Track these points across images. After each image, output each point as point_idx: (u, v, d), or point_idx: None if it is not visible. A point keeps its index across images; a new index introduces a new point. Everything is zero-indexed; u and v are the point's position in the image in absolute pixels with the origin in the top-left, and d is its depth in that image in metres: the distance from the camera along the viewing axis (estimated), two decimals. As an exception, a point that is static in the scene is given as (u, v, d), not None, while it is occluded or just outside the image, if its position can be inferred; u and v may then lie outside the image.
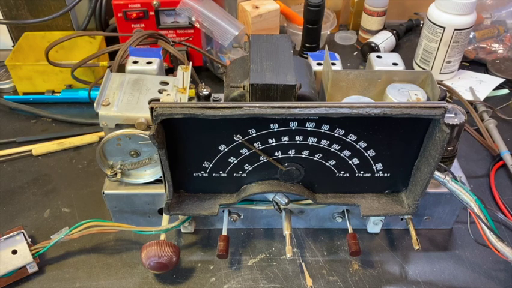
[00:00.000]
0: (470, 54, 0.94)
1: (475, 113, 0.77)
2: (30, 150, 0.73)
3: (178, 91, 0.56)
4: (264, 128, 0.49)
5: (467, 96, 0.84)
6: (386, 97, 0.58)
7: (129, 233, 0.61)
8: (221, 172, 0.54)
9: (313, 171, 0.54)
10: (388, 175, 0.54)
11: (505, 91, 0.88)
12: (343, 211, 0.60)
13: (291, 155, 0.52)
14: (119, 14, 0.81)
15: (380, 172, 0.54)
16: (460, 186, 0.53)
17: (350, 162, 0.53)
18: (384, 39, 0.95)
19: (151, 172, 0.58)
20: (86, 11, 0.93)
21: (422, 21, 1.04)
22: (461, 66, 0.92)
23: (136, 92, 0.55)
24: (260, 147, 0.51)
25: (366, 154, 0.52)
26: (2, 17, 0.89)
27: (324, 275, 0.58)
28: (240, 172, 0.54)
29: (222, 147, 0.51)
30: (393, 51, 0.97)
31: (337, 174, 0.54)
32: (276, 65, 0.53)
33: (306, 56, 0.69)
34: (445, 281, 0.57)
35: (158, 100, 0.54)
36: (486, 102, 0.81)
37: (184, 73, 0.60)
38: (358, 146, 0.51)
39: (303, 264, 0.59)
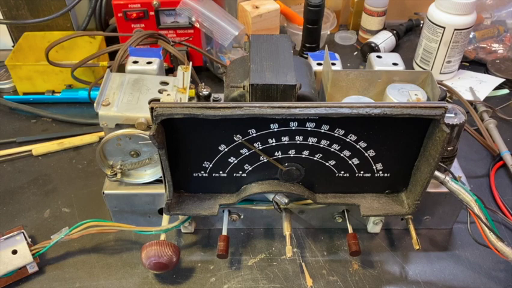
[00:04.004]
0: (470, 54, 0.94)
1: (475, 113, 0.77)
2: (30, 150, 0.73)
3: (178, 91, 0.57)
4: (264, 128, 0.49)
5: (467, 96, 0.84)
6: (386, 97, 0.58)
7: (129, 233, 0.61)
8: (221, 172, 0.54)
9: (313, 171, 0.54)
10: (388, 175, 0.54)
11: (505, 91, 0.88)
12: (343, 211, 0.60)
13: (291, 155, 0.52)
14: (119, 14, 0.81)
15: (380, 172, 0.54)
16: (460, 186, 0.53)
17: (350, 162, 0.53)
18: (384, 39, 0.95)
19: (151, 172, 0.58)
20: (86, 11, 0.93)
21: (422, 21, 1.04)
22: (461, 66, 0.92)
23: (136, 92, 0.55)
24: (260, 147, 0.51)
25: (366, 154, 0.52)
26: (2, 17, 0.89)
27: (324, 275, 0.58)
28: (240, 172, 0.54)
29: (222, 147, 0.51)
30: (393, 51, 0.97)
31: (337, 174, 0.54)
32: (276, 65, 0.53)
33: (306, 56, 0.69)
34: (445, 281, 0.57)
35: (158, 100, 0.54)
36: (486, 102, 0.81)
37: (184, 73, 0.60)
38: (358, 146, 0.51)
39: (303, 264, 0.59)
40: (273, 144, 0.50)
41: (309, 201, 0.56)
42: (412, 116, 0.46)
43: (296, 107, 0.45)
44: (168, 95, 0.55)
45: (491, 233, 0.51)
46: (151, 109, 0.45)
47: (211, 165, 0.53)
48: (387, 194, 0.57)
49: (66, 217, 0.64)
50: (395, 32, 0.97)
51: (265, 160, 0.52)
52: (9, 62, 0.81)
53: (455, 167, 0.61)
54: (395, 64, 0.62)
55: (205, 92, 0.61)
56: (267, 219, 0.62)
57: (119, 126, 0.53)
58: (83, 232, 0.55)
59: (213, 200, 0.56)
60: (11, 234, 0.56)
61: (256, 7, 0.88)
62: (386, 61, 0.63)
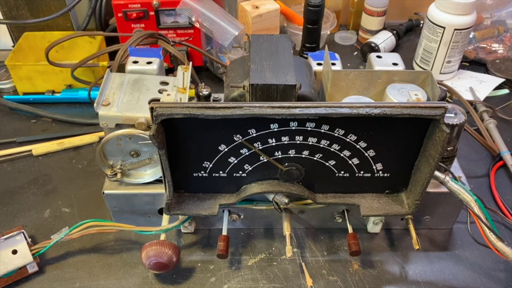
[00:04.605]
0: (470, 54, 0.94)
1: (475, 113, 0.77)
2: (30, 150, 0.73)
3: (178, 91, 0.57)
4: (264, 128, 0.49)
5: (467, 96, 0.84)
6: (386, 97, 0.58)
7: (129, 233, 0.61)
8: (221, 172, 0.54)
9: (313, 171, 0.54)
10: (388, 175, 0.54)
11: (505, 91, 0.88)
12: (343, 211, 0.60)
13: (291, 155, 0.52)
14: (119, 14, 0.81)
15: (380, 172, 0.54)
16: (459, 186, 0.53)
17: (350, 162, 0.53)
18: (384, 39, 0.95)
19: (151, 172, 0.58)
20: (86, 11, 0.93)
21: (422, 21, 1.04)
22: (461, 66, 0.92)
23: (136, 92, 0.55)
24: (260, 147, 0.51)
25: (366, 154, 0.52)
26: (2, 17, 0.89)
27: (324, 275, 0.58)
28: (240, 172, 0.54)
29: (222, 147, 0.51)
30: (393, 51, 0.97)
31: (337, 174, 0.54)
32: (276, 65, 0.53)
33: (306, 56, 0.69)
34: (445, 281, 0.57)
35: (158, 100, 0.54)
36: (486, 102, 0.81)
37: (184, 73, 0.60)
38: (358, 146, 0.51)
39: (303, 264, 0.59)
40: (273, 144, 0.50)
41: (309, 201, 0.56)
42: (412, 116, 0.46)
43: (296, 107, 0.45)
44: (168, 95, 0.55)
45: (491, 233, 0.51)
46: (151, 109, 0.45)
47: (211, 165, 0.53)
48: (387, 194, 0.57)
49: (66, 217, 0.64)
50: (395, 32, 0.97)
51: (265, 160, 0.52)
52: (9, 62, 0.81)
53: (455, 167, 0.61)
54: (395, 64, 0.62)
55: (205, 92, 0.61)
56: (267, 219, 0.62)
57: (119, 126, 0.53)
58: (83, 232, 0.55)
59: (213, 200, 0.56)
60: (11, 234, 0.56)
61: (256, 7, 0.88)
62: (386, 61, 0.63)
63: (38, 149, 0.74)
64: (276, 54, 0.55)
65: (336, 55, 0.67)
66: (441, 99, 0.56)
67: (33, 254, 0.55)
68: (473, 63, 0.95)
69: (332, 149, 0.51)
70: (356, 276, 0.58)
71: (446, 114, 0.47)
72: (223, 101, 0.61)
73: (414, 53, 0.92)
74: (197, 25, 0.82)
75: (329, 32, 0.98)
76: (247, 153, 0.51)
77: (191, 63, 0.62)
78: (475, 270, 0.59)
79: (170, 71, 0.72)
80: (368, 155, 0.52)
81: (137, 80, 0.57)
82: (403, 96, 0.57)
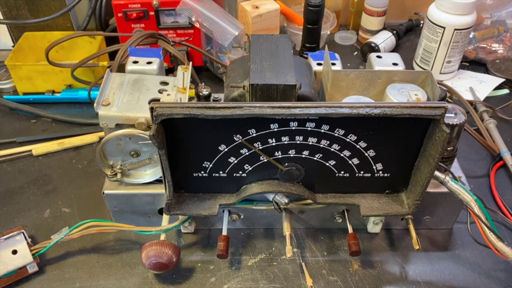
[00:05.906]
0: (470, 54, 0.94)
1: (475, 113, 0.77)
2: (30, 150, 0.73)
3: (178, 91, 0.57)
4: (264, 128, 0.49)
5: (467, 96, 0.84)
6: (386, 97, 0.58)
7: (129, 233, 0.61)
8: (221, 172, 0.54)
9: (313, 171, 0.54)
10: (388, 175, 0.54)
11: (505, 91, 0.88)
12: (343, 211, 0.60)
13: (291, 155, 0.52)
14: (119, 14, 0.81)
15: (380, 172, 0.54)
16: (459, 186, 0.53)
17: (350, 162, 0.53)
18: (384, 39, 0.95)
19: (151, 172, 0.58)
20: (86, 11, 0.93)
21: (422, 21, 1.04)
22: (461, 66, 0.92)
23: (136, 92, 0.55)
24: (260, 147, 0.51)
25: (366, 154, 0.52)
26: (2, 17, 0.89)
27: (324, 275, 0.58)
28: (240, 172, 0.54)
29: (222, 147, 0.51)
30: (393, 51, 0.97)
31: (337, 174, 0.54)
32: (276, 65, 0.53)
33: (306, 56, 0.69)
34: (445, 281, 0.57)
35: (158, 100, 0.54)
36: (486, 102, 0.81)
37: (184, 73, 0.60)
38: (358, 146, 0.51)
39: (303, 264, 0.59)
40: (273, 144, 0.50)
41: (309, 201, 0.56)
42: (412, 116, 0.46)
43: (296, 107, 0.45)
44: (168, 95, 0.55)
45: (491, 233, 0.51)
46: (151, 109, 0.45)
47: (211, 165, 0.53)
48: (387, 194, 0.57)
49: (66, 217, 0.64)
50: (395, 32, 0.97)
51: (265, 160, 0.52)
52: (9, 62, 0.81)
53: (455, 167, 0.61)
54: (395, 64, 0.62)
55: (205, 92, 0.61)
56: (267, 219, 0.62)
57: (119, 126, 0.53)
58: (83, 232, 0.55)
59: (213, 200, 0.56)
60: (11, 234, 0.56)
61: (256, 7, 0.88)
62: (386, 61, 0.63)
63: (38, 149, 0.74)
64: (276, 54, 0.55)
65: (336, 55, 0.67)
66: (441, 99, 0.56)
67: (33, 254, 0.55)
68: (473, 63, 0.95)
69: (332, 149, 0.51)
70: (356, 276, 0.58)
71: (446, 114, 0.47)
72: (223, 101, 0.61)
73: (414, 53, 0.92)
74: (197, 25, 0.82)
75: (329, 32, 0.98)
76: (247, 153, 0.51)
77: (191, 63, 0.62)
78: (475, 270, 0.59)
79: (170, 71, 0.72)
80: (368, 155, 0.52)
81: (137, 80, 0.57)
82: (403, 96, 0.57)
